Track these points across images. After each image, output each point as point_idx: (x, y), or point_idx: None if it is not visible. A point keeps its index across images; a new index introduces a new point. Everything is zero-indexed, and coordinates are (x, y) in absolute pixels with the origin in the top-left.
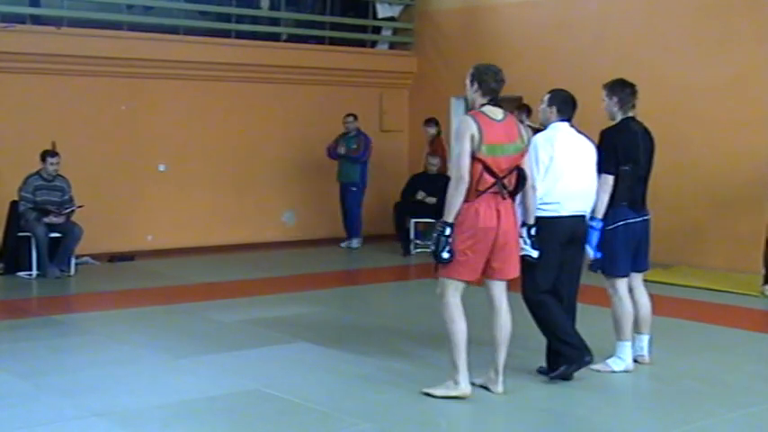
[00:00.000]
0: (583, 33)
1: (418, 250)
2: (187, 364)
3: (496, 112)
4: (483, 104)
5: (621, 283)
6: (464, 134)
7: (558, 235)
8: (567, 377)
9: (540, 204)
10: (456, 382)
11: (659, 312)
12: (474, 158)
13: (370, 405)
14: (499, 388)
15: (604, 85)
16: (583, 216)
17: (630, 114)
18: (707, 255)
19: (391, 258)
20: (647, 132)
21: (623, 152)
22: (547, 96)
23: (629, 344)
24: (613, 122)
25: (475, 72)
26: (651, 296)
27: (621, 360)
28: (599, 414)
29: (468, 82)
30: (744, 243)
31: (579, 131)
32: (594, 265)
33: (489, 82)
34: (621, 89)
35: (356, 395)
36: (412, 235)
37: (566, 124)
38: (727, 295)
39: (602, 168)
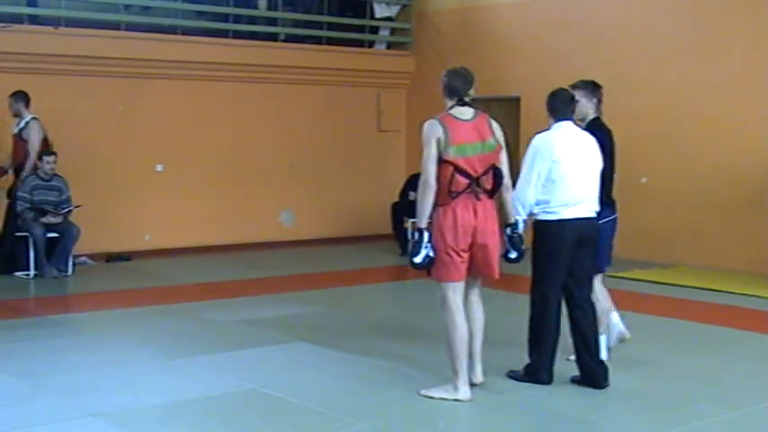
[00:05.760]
0: (580, 33)
1: None
2: (184, 364)
3: (465, 112)
4: (452, 106)
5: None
6: (430, 138)
7: (564, 239)
8: (516, 379)
9: (545, 209)
10: (456, 388)
11: (658, 312)
12: (443, 161)
13: (368, 405)
14: (478, 378)
15: (579, 87)
16: (590, 218)
17: (597, 114)
18: (706, 255)
19: (389, 258)
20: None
21: (607, 150)
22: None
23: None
24: (582, 122)
25: (443, 77)
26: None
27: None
28: (596, 414)
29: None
30: (743, 243)
31: (583, 129)
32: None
33: (453, 83)
34: (599, 90)
35: (353, 395)
36: (409, 235)
37: (567, 123)
38: (725, 295)
39: None
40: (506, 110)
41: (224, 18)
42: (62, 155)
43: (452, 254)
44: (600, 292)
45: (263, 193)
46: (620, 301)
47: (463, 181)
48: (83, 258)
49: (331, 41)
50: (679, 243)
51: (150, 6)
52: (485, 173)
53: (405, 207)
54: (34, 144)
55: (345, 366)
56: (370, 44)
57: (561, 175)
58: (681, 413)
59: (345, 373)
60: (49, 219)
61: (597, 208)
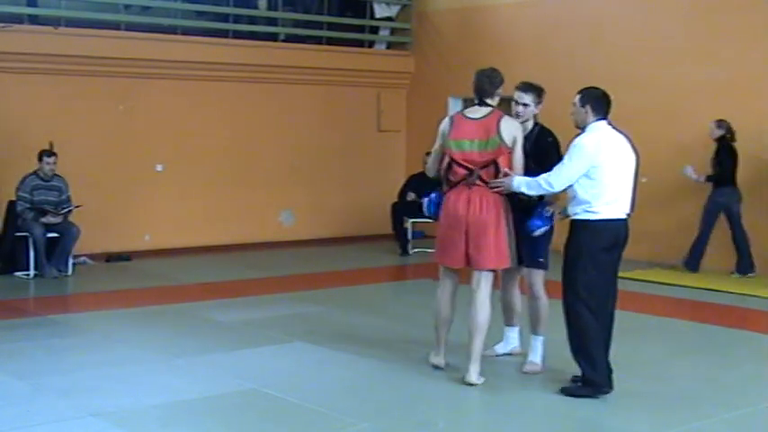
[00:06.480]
0: (579, 33)
1: (416, 250)
2: (184, 363)
3: (477, 111)
4: (471, 105)
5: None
6: (439, 132)
7: (602, 239)
8: (573, 395)
9: (587, 208)
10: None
11: (658, 312)
12: (444, 153)
13: (368, 405)
14: (471, 378)
15: (525, 89)
16: (625, 220)
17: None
18: (707, 255)
19: (389, 258)
20: None
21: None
22: (578, 97)
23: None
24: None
25: (473, 76)
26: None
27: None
28: (597, 414)
29: None
30: None
31: (618, 130)
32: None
33: (478, 83)
34: (544, 93)
35: (354, 395)
36: (409, 235)
37: (604, 123)
38: (725, 295)
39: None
40: (506, 110)
41: (224, 18)
42: (62, 155)
43: (445, 237)
44: (543, 290)
45: (263, 193)
46: (620, 301)
47: (461, 171)
48: (83, 258)
49: (331, 41)
50: (679, 243)
51: (150, 6)
52: (485, 166)
53: (404, 207)
54: None
55: (345, 366)
56: (370, 44)
57: (606, 174)
58: (681, 413)
59: (345, 373)
60: (49, 219)
61: (629, 209)
